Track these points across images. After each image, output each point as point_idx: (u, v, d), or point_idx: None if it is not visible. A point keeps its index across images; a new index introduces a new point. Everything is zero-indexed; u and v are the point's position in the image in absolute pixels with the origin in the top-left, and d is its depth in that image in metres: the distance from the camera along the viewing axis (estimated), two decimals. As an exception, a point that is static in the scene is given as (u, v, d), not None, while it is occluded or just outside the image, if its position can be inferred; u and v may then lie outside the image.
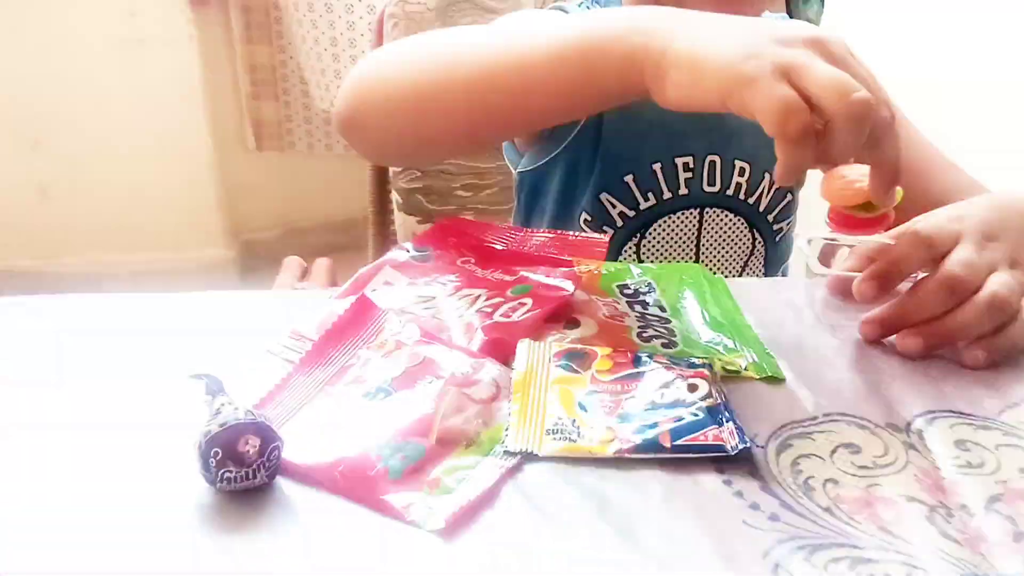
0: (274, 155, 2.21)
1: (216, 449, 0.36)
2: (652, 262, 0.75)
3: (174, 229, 2.16)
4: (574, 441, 0.40)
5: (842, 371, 0.48)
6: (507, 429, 0.41)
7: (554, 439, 0.41)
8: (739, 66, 0.43)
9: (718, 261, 0.77)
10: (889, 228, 0.51)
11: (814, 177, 0.77)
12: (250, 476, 0.37)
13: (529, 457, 0.40)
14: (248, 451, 0.37)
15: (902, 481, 0.40)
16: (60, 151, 2.03)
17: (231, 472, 0.37)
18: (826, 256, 0.54)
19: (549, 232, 0.56)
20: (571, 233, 0.55)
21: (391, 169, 1.06)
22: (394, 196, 1.09)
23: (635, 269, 0.56)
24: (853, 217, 0.50)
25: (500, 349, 0.46)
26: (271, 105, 2.17)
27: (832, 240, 0.55)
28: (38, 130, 2.00)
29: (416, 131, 0.60)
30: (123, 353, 0.48)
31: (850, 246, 0.56)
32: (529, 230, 0.56)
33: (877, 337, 0.50)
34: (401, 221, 1.10)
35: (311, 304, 0.51)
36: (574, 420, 0.42)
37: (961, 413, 0.45)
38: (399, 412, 0.41)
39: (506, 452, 0.40)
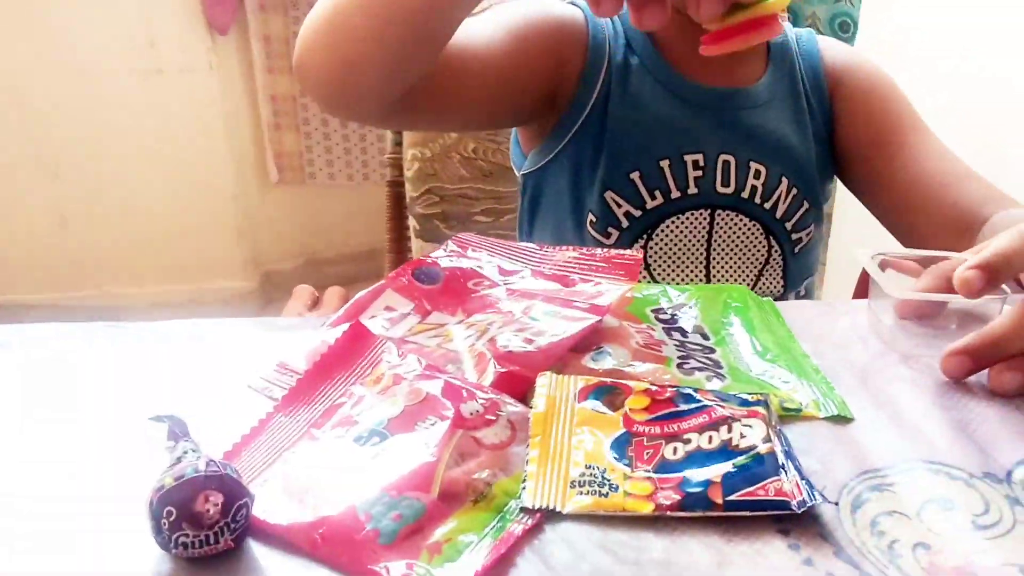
0: (294, 186, 2.18)
1: (169, 508, 0.30)
2: (660, 265, 0.71)
3: (194, 260, 2.13)
4: (605, 496, 0.34)
5: (922, 408, 0.40)
6: (524, 481, 0.34)
7: (580, 493, 0.34)
8: None
9: (731, 267, 0.72)
10: (776, 31, 0.42)
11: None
12: (211, 540, 0.31)
13: (551, 515, 0.33)
14: (208, 510, 0.30)
15: (1010, 546, 0.32)
16: (80, 181, 2.01)
17: (187, 536, 0.30)
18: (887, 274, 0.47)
19: (574, 249, 0.49)
20: (599, 250, 0.49)
21: (408, 195, 1.01)
22: (411, 223, 1.04)
23: (671, 291, 0.49)
24: (725, 29, 0.42)
25: (517, 384, 0.39)
26: (292, 135, 2.14)
27: (894, 255, 0.48)
28: (58, 161, 1.98)
29: (340, 53, 0.56)
30: (87, 386, 0.42)
31: (915, 259, 0.49)
32: (553, 247, 0.50)
33: (964, 373, 0.43)
34: (418, 248, 1.04)
35: (302, 333, 0.45)
36: (604, 470, 0.35)
37: (1069, 459, 0.37)
38: (395, 460, 0.35)
39: (523, 509, 0.33)
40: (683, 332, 0.45)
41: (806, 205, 0.72)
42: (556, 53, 0.67)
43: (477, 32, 0.63)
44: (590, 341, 0.42)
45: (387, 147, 1.07)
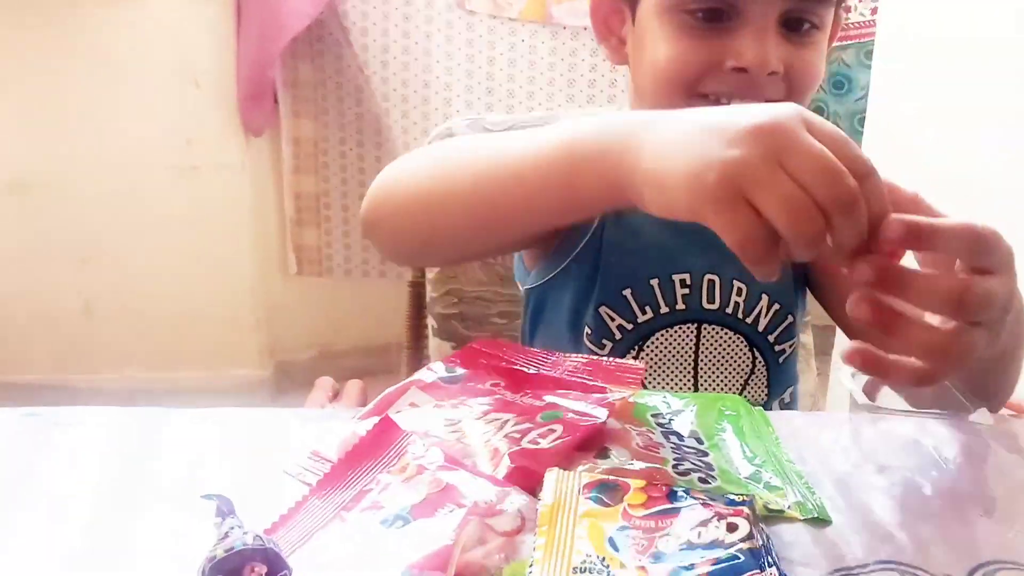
0: (312, 279, 2.26)
1: None
2: (651, 375, 0.76)
3: (211, 348, 2.18)
4: (603, 582, 0.37)
5: (893, 514, 0.45)
6: (531, 566, 0.38)
7: (581, 578, 0.38)
8: (696, 185, 0.44)
9: (718, 378, 0.77)
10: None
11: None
12: (254, 606, 0.35)
13: (554, 598, 0.37)
14: (253, 579, 0.35)
15: (967, 642, 0.36)
16: (107, 268, 2.09)
17: (234, 602, 0.34)
18: (869, 390, 0.51)
19: (582, 357, 0.54)
20: (604, 359, 0.54)
21: (428, 295, 1.07)
22: (430, 321, 1.09)
23: (671, 398, 0.54)
24: None
25: (527, 478, 0.43)
26: (313, 232, 2.23)
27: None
28: (88, 247, 2.07)
29: (423, 233, 0.63)
30: (134, 470, 0.47)
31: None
32: (562, 354, 0.55)
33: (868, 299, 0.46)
34: (435, 346, 1.09)
35: (334, 424, 0.49)
36: (603, 558, 0.39)
37: (1027, 566, 0.41)
38: (416, 542, 0.39)
39: (529, 591, 0.37)
40: (679, 436, 0.50)
41: (790, 318, 0.77)
42: None
43: None
44: (595, 441, 0.47)
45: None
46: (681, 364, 0.76)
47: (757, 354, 0.77)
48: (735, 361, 0.77)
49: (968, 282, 0.45)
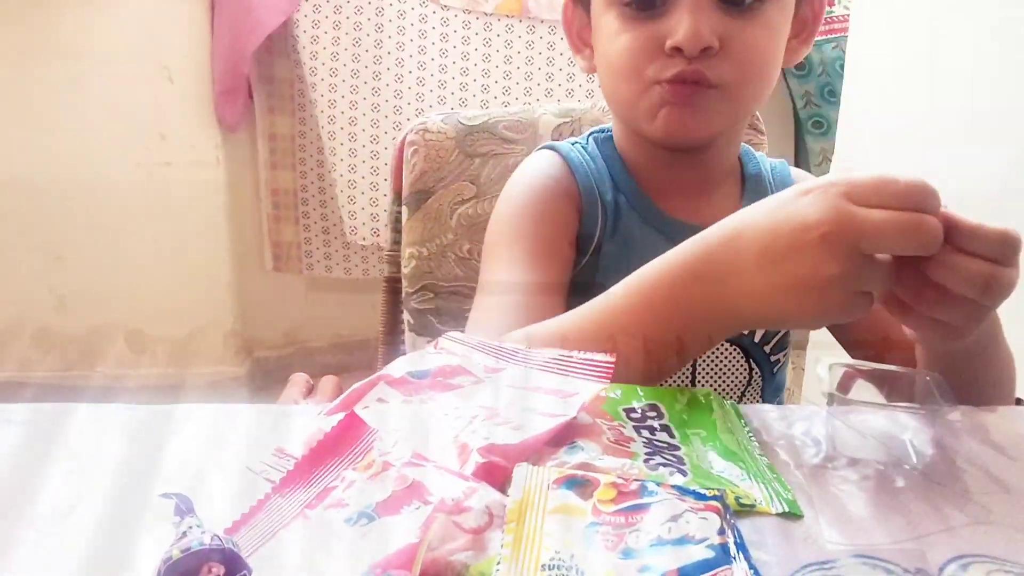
0: (290, 276, 2.24)
1: (176, 576, 0.33)
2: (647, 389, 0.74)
3: (187, 345, 2.16)
4: (571, 579, 0.37)
5: (865, 508, 0.44)
6: (499, 563, 0.38)
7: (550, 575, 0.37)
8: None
9: (715, 390, 0.76)
10: None
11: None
12: (212, 608, 0.34)
13: (521, 596, 0.36)
14: (211, 580, 0.33)
15: (938, 636, 0.35)
16: (81, 265, 2.06)
17: (190, 603, 0.33)
18: (844, 383, 0.51)
19: (552, 350, 0.53)
20: (575, 353, 0.53)
21: (404, 290, 1.06)
22: (405, 316, 1.08)
23: (642, 392, 0.53)
24: None
25: (496, 474, 0.43)
26: (291, 228, 2.21)
27: (852, 366, 0.53)
28: (62, 244, 2.04)
29: None
30: (95, 466, 0.45)
31: (871, 371, 0.53)
32: (531, 349, 0.54)
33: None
34: (411, 340, 1.08)
35: (300, 421, 0.48)
36: (572, 555, 0.38)
37: (997, 559, 0.41)
38: (381, 540, 0.38)
39: (496, 589, 0.36)
40: (651, 430, 0.49)
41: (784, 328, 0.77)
42: (566, 212, 0.74)
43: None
44: (565, 436, 0.46)
45: (383, 243, 1.12)
46: (679, 379, 0.75)
47: (753, 365, 0.76)
48: (732, 373, 0.76)
49: (996, 268, 0.48)
